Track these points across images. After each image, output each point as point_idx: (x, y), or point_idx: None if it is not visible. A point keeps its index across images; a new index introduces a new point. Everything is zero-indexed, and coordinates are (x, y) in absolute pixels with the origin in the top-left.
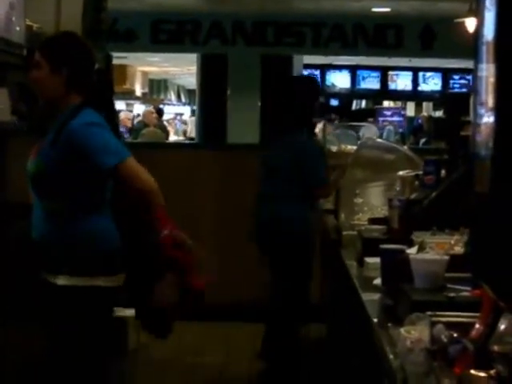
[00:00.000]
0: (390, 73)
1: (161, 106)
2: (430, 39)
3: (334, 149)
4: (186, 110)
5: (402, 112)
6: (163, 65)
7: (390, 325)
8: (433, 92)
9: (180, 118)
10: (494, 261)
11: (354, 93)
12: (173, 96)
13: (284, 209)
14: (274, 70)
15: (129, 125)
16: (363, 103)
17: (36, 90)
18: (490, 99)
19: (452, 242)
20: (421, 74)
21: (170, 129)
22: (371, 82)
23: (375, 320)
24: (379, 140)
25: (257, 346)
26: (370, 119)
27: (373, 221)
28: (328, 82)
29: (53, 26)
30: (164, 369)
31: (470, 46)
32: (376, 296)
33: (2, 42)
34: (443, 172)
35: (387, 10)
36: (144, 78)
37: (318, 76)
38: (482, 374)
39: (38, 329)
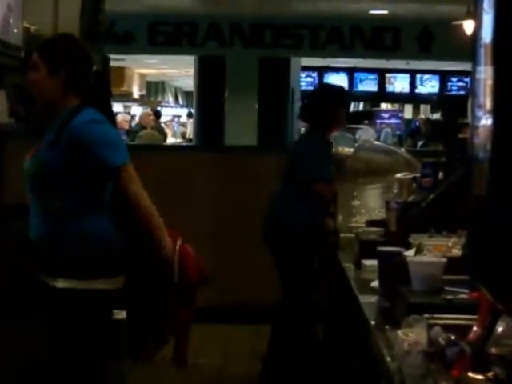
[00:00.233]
0: (388, 75)
1: (158, 108)
2: (427, 41)
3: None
4: (184, 112)
5: (400, 114)
6: (161, 67)
7: (387, 327)
8: (430, 94)
9: (178, 120)
10: (491, 263)
11: (351, 95)
12: (170, 98)
13: (282, 208)
14: (271, 72)
15: (126, 127)
16: (361, 105)
17: (34, 92)
18: (488, 102)
19: (449, 244)
20: (418, 76)
21: (168, 131)
22: (369, 85)
23: (372, 322)
24: (376, 142)
25: (256, 347)
26: (366, 121)
27: (370, 223)
28: None
29: (50, 28)
30: (163, 370)
31: (468, 49)
32: (373, 298)
33: None
34: (441, 174)
35: (385, 12)
36: (141, 80)
37: (316, 78)
38: (480, 377)
39: (37, 331)
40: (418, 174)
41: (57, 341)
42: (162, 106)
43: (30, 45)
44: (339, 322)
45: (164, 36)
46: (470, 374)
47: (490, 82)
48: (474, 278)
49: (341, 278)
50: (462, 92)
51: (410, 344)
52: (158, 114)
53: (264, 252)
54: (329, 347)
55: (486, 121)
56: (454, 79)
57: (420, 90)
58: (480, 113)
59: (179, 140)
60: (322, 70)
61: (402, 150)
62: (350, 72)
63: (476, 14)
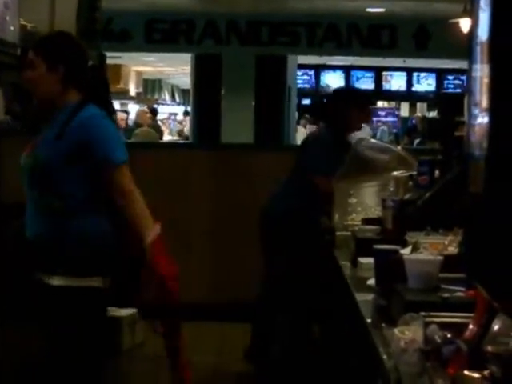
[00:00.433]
0: (384, 73)
1: (155, 106)
2: (424, 40)
3: None
4: (181, 110)
5: (396, 112)
6: (157, 64)
7: (383, 325)
8: (427, 92)
9: (174, 118)
10: (488, 261)
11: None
12: (167, 96)
13: (281, 205)
14: (268, 70)
15: (123, 125)
16: None
17: (31, 89)
18: (484, 100)
19: (446, 242)
20: (415, 74)
21: (164, 128)
22: (365, 83)
23: (369, 320)
24: (373, 140)
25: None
26: None
27: (367, 221)
28: (322, 83)
29: (47, 25)
30: (159, 368)
31: (465, 47)
32: (370, 296)
33: None
34: (437, 172)
35: (381, 10)
36: (138, 78)
37: (312, 76)
38: (476, 375)
39: (34, 329)
40: (415, 172)
41: (53, 338)
42: (158, 104)
43: (27, 42)
44: (336, 320)
45: (161, 34)
46: (466, 372)
47: (486, 80)
48: (471, 276)
49: (337, 276)
50: (458, 90)
51: (406, 342)
52: (154, 112)
53: (260, 250)
54: (325, 345)
55: (483, 119)
56: (450, 77)
57: (416, 88)
58: (476, 111)
59: (175, 138)
60: (318, 68)
61: (399, 147)
62: (347, 70)
63: (472, 12)
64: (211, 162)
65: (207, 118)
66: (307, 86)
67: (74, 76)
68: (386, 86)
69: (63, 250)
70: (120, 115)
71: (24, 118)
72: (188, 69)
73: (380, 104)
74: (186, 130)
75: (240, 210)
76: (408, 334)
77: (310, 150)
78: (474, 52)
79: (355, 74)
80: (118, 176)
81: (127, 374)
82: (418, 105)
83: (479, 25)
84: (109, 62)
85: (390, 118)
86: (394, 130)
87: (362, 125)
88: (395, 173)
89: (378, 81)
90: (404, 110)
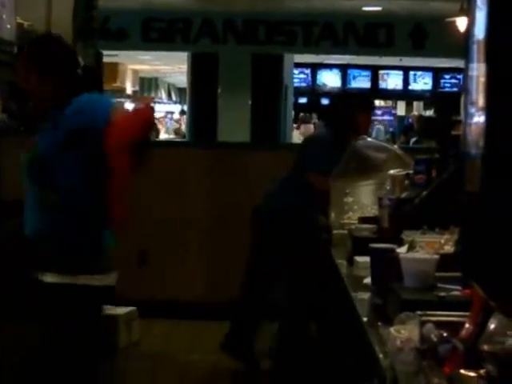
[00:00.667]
0: (381, 72)
1: (151, 105)
2: (421, 38)
3: None
4: (177, 109)
5: (393, 111)
6: (154, 63)
7: (379, 324)
8: (423, 91)
9: (171, 117)
10: (484, 260)
11: (346, 92)
12: (163, 94)
13: (278, 203)
14: (264, 69)
15: None
16: None
17: (28, 94)
18: (480, 98)
19: (442, 241)
20: (411, 73)
21: (161, 127)
22: (362, 81)
23: (365, 319)
24: (369, 139)
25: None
26: None
27: (363, 220)
28: (319, 82)
29: (43, 23)
30: (156, 366)
31: (461, 46)
32: (366, 295)
33: None
34: (434, 171)
35: (378, 8)
36: (135, 76)
37: (309, 75)
38: (472, 374)
39: (29, 327)
40: (411, 171)
41: (49, 336)
42: (155, 103)
43: (23, 40)
44: (332, 318)
45: (157, 32)
46: (462, 370)
47: (482, 78)
48: (467, 275)
49: (333, 275)
50: (454, 89)
51: (402, 341)
52: None
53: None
54: (322, 344)
55: (479, 118)
56: (447, 76)
57: (413, 86)
58: (473, 110)
59: (172, 136)
60: (315, 67)
61: (395, 146)
62: (343, 69)
63: (469, 11)
64: (208, 161)
65: (204, 117)
66: (304, 84)
67: (68, 80)
68: (382, 84)
69: (59, 246)
70: None
71: (21, 116)
72: (184, 67)
73: (376, 103)
74: (183, 128)
75: (237, 209)
76: (404, 332)
77: (309, 149)
78: (471, 51)
79: (352, 72)
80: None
81: (123, 372)
82: (415, 104)
83: (476, 24)
84: (105, 60)
85: (386, 117)
86: (391, 129)
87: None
88: (391, 171)
89: (375, 79)
90: (400, 108)
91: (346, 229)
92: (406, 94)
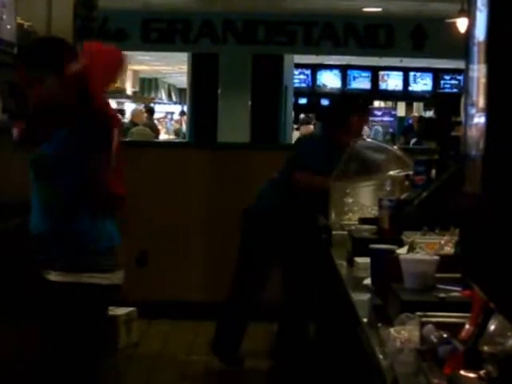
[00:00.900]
0: (381, 73)
1: (151, 105)
2: (421, 39)
3: None
4: (177, 109)
5: (393, 112)
6: (154, 64)
7: (379, 325)
8: (423, 92)
9: (171, 117)
10: (484, 261)
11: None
12: (163, 95)
13: (259, 200)
14: (264, 69)
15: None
16: None
17: (43, 103)
18: (481, 100)
19: (442, 242)
20: (411, 74)
21: (161, 128)
22: (362, 82)
23: (365, 320)
24: (369, 140)
25: (246, 343)
26: None
27: (363, 221)
28: (319, 82)
29: (44, 24)
30: (155, 367)
31: (461, 47)
32: (366, 296)
33: None
34: (434, 172)
35: (378, 9)
36: (135, 77)
37: (309, 75)
38: (472, 375)
39: (30, 325)
40: (411, 172)
41: (50, 334)
42: (155, 103)
43: (24, 41)
44: (332, 319)
45: (157, 33)
46: (462, 371)
47: (483, 80)
48: (467, 276)
49: (333, 276)
50: (455, 90)
51: (402, 342)
52: (151, 111)
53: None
54: (321, 345)
55: (479, 119)
56: (447, 77)
57: (413, 87)
58: (473, 111)
59: (172, 137)
60: (315, 68)
61: (395, 147)
62: (343, 69)
63: (470, 12)
64: (208, 161)
65: (204, 117)
66: (304, 85)
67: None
68: (382, 85)
69: (63, 245)
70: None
71: (21, 117)
72: (184, 68)
73: (376, 104)
74: (183, 129)
75: (236, 209)
76: (404, 333)
77: (299, 148)
78: (471, 52)
79: (352, 73)
80: None
81: (123, 373)
82: (415, 104)
83: (476, 25)
84: None
85: (386, 118)
86: (391, 130)
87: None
88: (391, 172)
89: (375, 80)
90: (400, 109)
91: (346, 230)
92: (406, 95)
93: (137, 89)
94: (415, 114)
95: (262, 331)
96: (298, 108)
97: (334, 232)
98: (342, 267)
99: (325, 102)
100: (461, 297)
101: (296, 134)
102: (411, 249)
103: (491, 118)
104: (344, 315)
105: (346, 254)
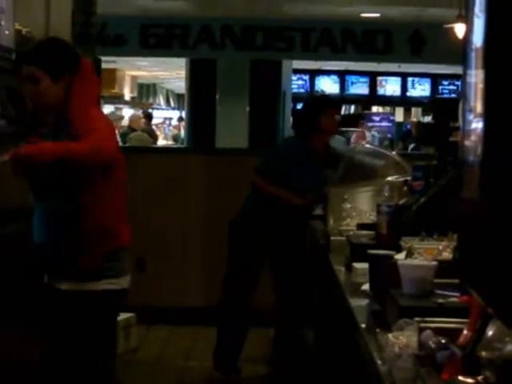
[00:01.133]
0: (379, 78)
1: (149, 111)
2: (419, 45)
3: None
4: (176, 115)
5: (391, 117)
6: (152, 69)
7: (378, 330)
8: (422, 97)
9: (169, 123)
10: (482, 267)
11: (342, 98)
12: (162, 100)
13: (244, 204)
14: (263, 75)
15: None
16: (352, 108)
17: (34, 102)
18: (478, 105)
19: (440, 247)
20: (410, 79)
21: (159, 133)
22: (360, 87)
23: (363, 325)
24: (368, 145)
25: (246, 349)
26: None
27: (361, 226)
28: (317, 88)
29: (42, 30)
30: (154, 373)
31: (460, 52)
32: (364, 302)
33: None
34: (432, 178)
35: (376, 15)
36: (133, 83)
37: (307, 81)
38: (470, 380)
39: (33, 331)
40: (409, 178)
41: (63, 342)
42: (153, 109)
43: (22, 47)
44: (330, 325)
45: (155, 38)
46: (460, 377)
47: (480, 85)
48: (465, 282)
49: (331, 281)
50: (453, 95)
51: (400, 347)
52: (149, 117)
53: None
54: (320, 350)
55: (477, 124)
56: (445, 82)
57: (411, 93)
58: (470, 116)
59: (171, 142)
60: (313, 73)
61: (394, 153)
62: (342, 75)
63: (467, 18)
64: (206, 167)
65: (202, 123)
66: (302, 90)
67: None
68: (380, 90)
69: (71, 254)
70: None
71: (19, 122)
72: (183, 73)
73: (374, 109)
74: (181, 134)
75: (234, 214)
76: (402, 339)
77: (272, 153)
78: (469, 57)
79: (350, 78)
80: None
81: (121, 379)
82: (413, 110)
83: (474, 31)
84: (104, 66)
85: (384, 123)
86: (389, 135)
87: (361, 129)
88: (390, 178)
89: (373, 86)
90: (399, 115)
91: (345, 235)
92: (405, 101)
93: (135, 94)
94: (413, 119)
95: (258, 336)
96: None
97: (332, 238)
98: (340, 273)
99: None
100: (459, 302)
101: None
102: (409, 254)
103: (489, 124)
104: (342, 321)
105: (345, 260)
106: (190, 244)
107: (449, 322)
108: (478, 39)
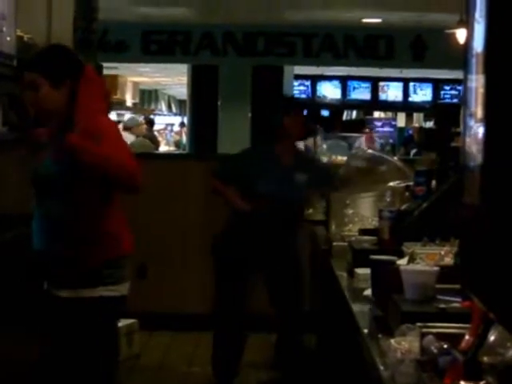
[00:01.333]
0: (381, 83)
1: (151, 117)
2: (420, 50)
3: (326, 159)
4: (177, 121)
5: (393, 123)
6: (154, 75)
7: (380, 336)
8: (423, 103)
9: (171, 129)
10: (483, 272)
11: (344, 103)
12: (163, 106)
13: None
14: (264, 81)
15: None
16: (354, 114)
17: (35, 108)
18: (479, 110)
19: (442, 252)
20: (411, 84)
21: (161, 139)
22: (362, 93)
23: (366, 331)
24: (370, 151)
25: (249, 355)
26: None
27: (363, 232)
28: (319, 93)
29: (44, 36)
30: (156, 379)
31: (461, 57)
32: (366, 307)
33: None
34: (434, 183)
35: (378, 20)
36: (135, 89)
37: (309, 87)
38: None
39: (37, 340)
40: (411, 183)
41: (64, 350)
42: (155, 115)
43: (23, 53)
44: (332, 330)
45: (157, 45)
46: (462, 382)
47: (481, 90)
48: (466, 287)
49: (334, 287)
50: (455, 100)
51: (402, 352)
52: (151, 123)
53: None
54: (322, 356)
55: (478, 129)
56: (447, 87)
57: (413, 98)
58: (471, 121)
59: (172, 148)
60: (315, 79)
61: (395, 158)
62: (343, 80)
63: (468, 24)
64: (208, 173)
65: (204, 129)
66: (304, 96)
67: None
68: (382, 96)
69: (70, 261)
70: None
71: (21, 128)
72: (184, 79)
73: (376, 114)
74: (183, 140)
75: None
76: (404, 344)
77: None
78: (470, 63)
79: (352, 84)
80: None
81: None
82: (415, 115)
83: (474, 36)
84: (105, 72)
85: (386, 129)
86: (391, 141)
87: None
88: (392, 183)
89: (375, 91)
90: (400, 120)
91: (347, 241)
92: (406, 106)
93: (137, 100)
94: (415, 124)
95: (260, 342)
96: None
97: (334, 243)
98: (342, 278)
99: (325, 112)
100: (461, 307)
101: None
102: (411, 260)
103: (489, 129)
104: (345, 326)
105: (347, 265)
106: (192, 250)
107: (451, 328)
108: (478, 44)
